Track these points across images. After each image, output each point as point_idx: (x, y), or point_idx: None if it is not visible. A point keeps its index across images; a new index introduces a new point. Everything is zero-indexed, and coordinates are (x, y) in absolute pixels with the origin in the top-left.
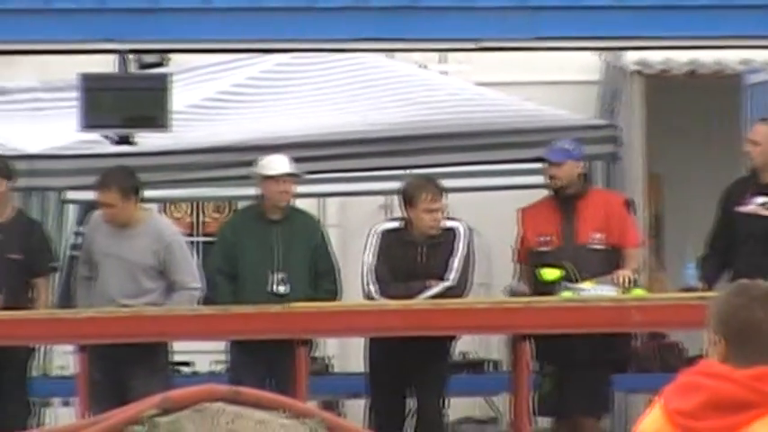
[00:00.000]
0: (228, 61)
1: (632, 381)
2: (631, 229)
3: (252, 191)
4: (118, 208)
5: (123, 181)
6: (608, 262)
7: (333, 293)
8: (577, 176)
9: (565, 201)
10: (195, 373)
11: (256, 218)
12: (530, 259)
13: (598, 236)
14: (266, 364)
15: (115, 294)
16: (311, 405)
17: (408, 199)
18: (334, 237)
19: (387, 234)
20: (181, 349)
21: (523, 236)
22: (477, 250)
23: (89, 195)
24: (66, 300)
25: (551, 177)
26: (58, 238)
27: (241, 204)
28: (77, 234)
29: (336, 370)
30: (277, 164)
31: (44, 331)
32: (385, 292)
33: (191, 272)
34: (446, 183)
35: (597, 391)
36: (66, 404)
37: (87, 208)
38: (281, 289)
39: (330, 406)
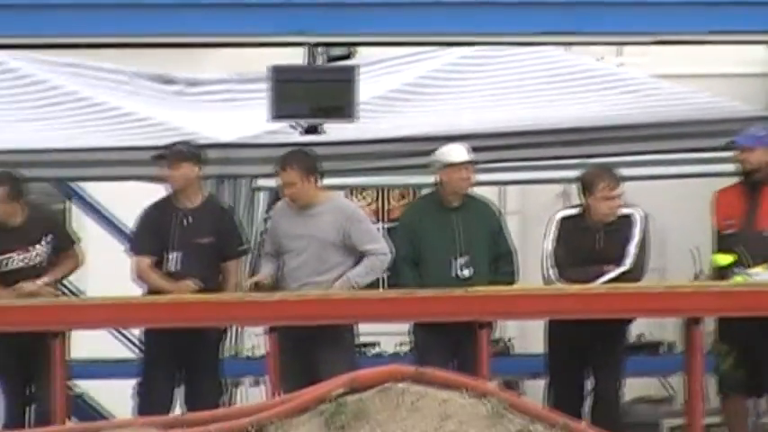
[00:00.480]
0: (413, 54)
1: None
2: None
3: (431, 179)
4: (297, 187)
5: (303, 161)
6: None
7: (511, 276)
8: (766, 163)
9: (752, 186)
10: (380, 354)
11: (436, 204)
12: (716, 242)
13: None
14: (449, 346)
15: (303, 275)
16: (492, 385)
17: (587, 187)
18: (514, 223)
19: (565, 221)
20: (367, 331)
21: (715, 219)
22: (652, 236)
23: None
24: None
25: (741, 162)
26: (248, 224)
27: (422, 192)
28: (266, 220)
29: (517, 351)
30: (457, 152)
31: (235, 313)
32: (563, 277)
33: (377, 239)
34: (623, 171)
35: None
36: (256, 383)
37: (277, 195)
38: (465, 273)
39: (510, 385)
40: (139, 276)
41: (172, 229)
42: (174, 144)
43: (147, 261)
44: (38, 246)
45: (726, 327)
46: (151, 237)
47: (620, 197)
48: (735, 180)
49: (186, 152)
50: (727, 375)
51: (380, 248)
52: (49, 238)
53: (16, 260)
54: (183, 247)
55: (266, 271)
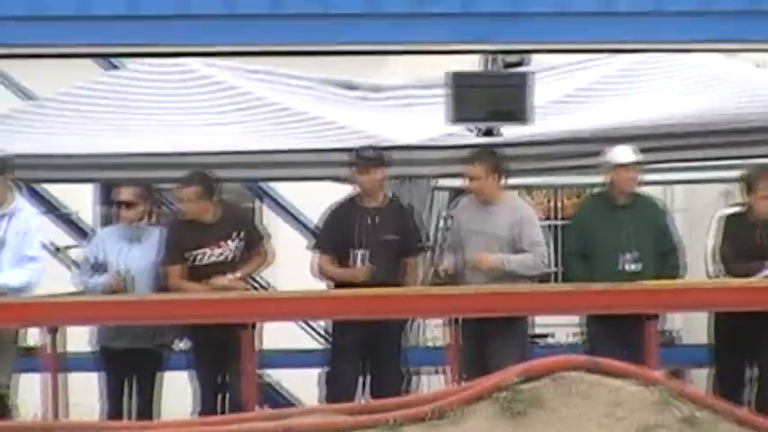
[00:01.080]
0: (585, 60)
1: None
2: None
3: (601, 179)
4: (482, 182)
5: (490, 158)
6: None
7: (677, 270)
8: None
9: None
10: (554, 345)
11: (606, 203)
12: None
13: None
14: (619, 337)
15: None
16: (660, 374)
17: (749, 186)
18: (680, 221)
19: (728, 218)
20: (541, 322)
21: None
22: None
23: (456, 182)
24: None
25: None
26: (427, 223)
27: (592, 191)
28: (445, 218)
29: (683, 341)
30: (625, 153)
31: (417, 306)
32: (726, 271)
33: (541, 243)
34: None
35: None
36: (436, 372)
37: (456, 193)
38: (632, 267)
39: (676, 375)
40: (320, 271)
41: (357, 227)
42: (363, 148)
43: (327, 258)
44: (229, 242)
45: None
46: (335, 235)
47: None
48: None
49: (375, 157)
50: None
51: (541, 251)
52: (241, 234)
53: (209, 255)
54: (368, 245)
55: (447, 262)
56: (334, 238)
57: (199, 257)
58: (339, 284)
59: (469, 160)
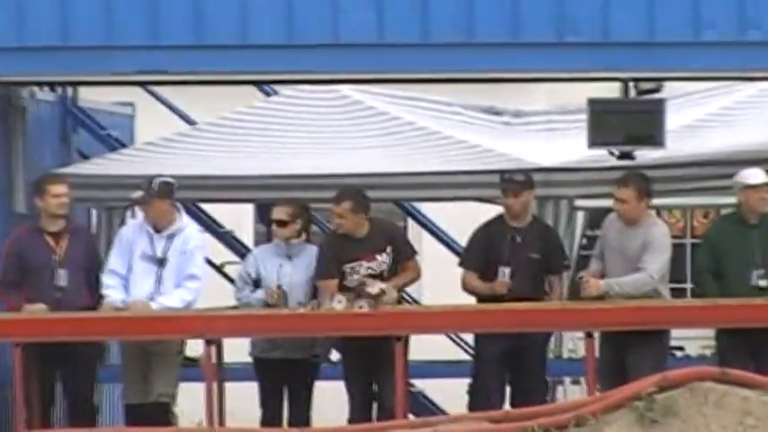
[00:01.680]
0: (718, 87)
1: None
2: None
3: (732, 199)
4: (630, 205)
5: (638, 181)
6: None
7: None
8: None
9: None
10: (687, 356)
11: (737, 222)
12: None
13: None
14: (749, 350)
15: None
16: None
17: None
18: None
19: None
20: (674, 335)
21: None
22: None
23: (596, 203)
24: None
25: None
26: (569, 241)
27: (723, 212)
28: (586, 237)
29: None
30: (755, 175)
31: (558, 319)
32: None
33: (657, 262)
34: None
35: None
36: (575, 382)
37: (593, 214)
38: (762, 283)
39: None
40: (464, 286)
41: (504, 245)
42: (513, 171)
43: (473, 274)
44: (383, 254)
45: None
46: (481, 253)
47: None
48: None
49: (525, 180)
50: None
51: (655, 271)
52: (392, 248)
53: (365, 267)
54: (513, 262)
55: (593, 268)
56: (480, 255)
57: (356, 269)
58: (483, 299)
59: (621, 183)
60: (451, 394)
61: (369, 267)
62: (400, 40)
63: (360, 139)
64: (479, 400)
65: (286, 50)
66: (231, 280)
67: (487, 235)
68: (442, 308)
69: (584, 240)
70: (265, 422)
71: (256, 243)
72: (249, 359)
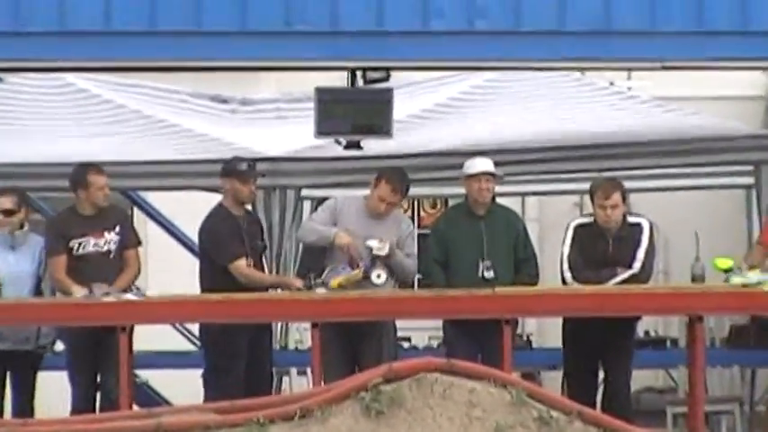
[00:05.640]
0: (444, 77)
1: None
2: None
3: (462, 190)
4: (620, 208)
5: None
6: None
7: (534, 278)
8: None
9: None
10: (414, 348)
11: (465, 213)
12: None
13: None
14: (476, 340)
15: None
16: (514, 376)
17: (591, 196)
18: (533, 230)
19: (580, 228)
20: (400, 326)
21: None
22: (657, 243)
23: (324, 193)
24: None
25: None
26: (294, 230)
27: (452, 202)
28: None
29: (536, 345)
30: (476, 164)
31: (285, 310)
32: (579, 278)
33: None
34: (635, 184)
35: None
36: (302, 373)
37: (318, 203)
38: (489, 274)
39: (530, 376)
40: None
41: (242, 234)
42: (235, 159)
43: (243, 262)
44: (112, 233)
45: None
46: (238, 241)
47: (618, 207)
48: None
49: (253, 169)
50: None
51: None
52: (120, 229)
53: (92, 243)
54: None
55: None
56: (239, 244)
57: (82, 244)
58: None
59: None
60: (179, 386)
61: (95, 244)
62: (126, 27)
63: (84, 128)
64: (213, 389)
65: (12, 38)
66: None
67: (224, 225)
68: (161, 298)
69: None
70: None
71: None
72: None
